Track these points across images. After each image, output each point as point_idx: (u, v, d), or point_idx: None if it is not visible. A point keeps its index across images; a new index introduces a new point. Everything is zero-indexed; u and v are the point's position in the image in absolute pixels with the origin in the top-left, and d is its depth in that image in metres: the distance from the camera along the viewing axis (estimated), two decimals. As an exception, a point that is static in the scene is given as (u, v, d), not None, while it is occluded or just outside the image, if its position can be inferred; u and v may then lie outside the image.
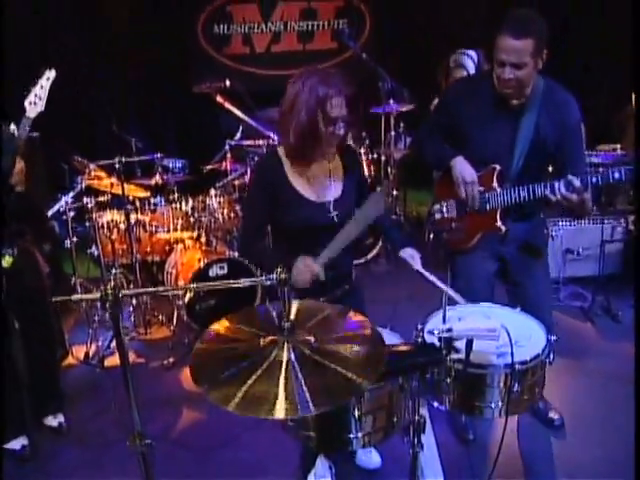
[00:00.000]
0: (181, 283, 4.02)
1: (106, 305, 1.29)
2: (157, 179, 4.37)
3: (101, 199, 4.35)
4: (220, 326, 1.56)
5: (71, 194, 4.15)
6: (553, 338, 1.88)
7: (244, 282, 1.40)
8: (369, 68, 4.86)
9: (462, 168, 2.54)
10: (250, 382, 1.27)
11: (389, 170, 5.52)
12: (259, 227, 2.31)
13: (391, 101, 5.06)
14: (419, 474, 1.98)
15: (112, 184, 4.15)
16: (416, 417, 1.88)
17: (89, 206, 4.16)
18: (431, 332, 1.72)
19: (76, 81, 5.68)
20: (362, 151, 5.35)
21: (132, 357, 3.94)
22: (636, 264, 3.70)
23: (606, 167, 3.92)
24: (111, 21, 6.12)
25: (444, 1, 6.61)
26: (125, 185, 4.08)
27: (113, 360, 3.76)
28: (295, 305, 1.57)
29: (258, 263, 2.60)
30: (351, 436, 1.70)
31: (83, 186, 4.17)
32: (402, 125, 5.51)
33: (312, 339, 1.38)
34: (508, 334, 1.67)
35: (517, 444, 2.79)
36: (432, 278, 2.11)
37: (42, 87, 2.81)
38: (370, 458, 2.74)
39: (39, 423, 3.13)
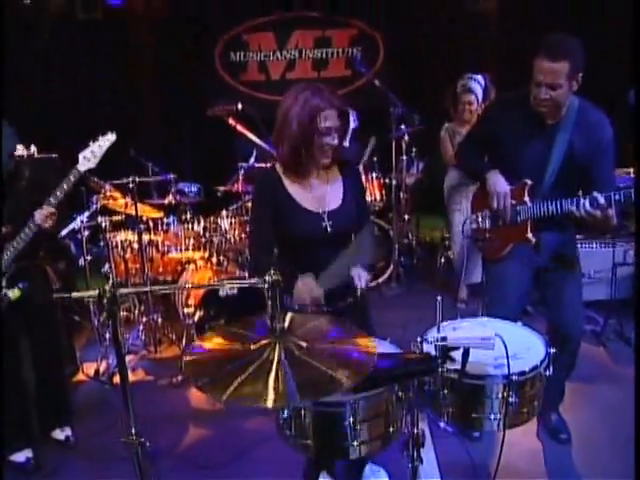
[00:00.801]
0: (192, 302, 4.06)
1: (104, 302, 1.33)
2: (170, 199, 4.45)
3: (115, 219, 4.43)
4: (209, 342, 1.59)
5: (86, 213, 4.25)
6: (552, 351, 1.88)
7: (233, 284, 1.43)
8: (381, 94, 4.94)
9: (496, 181, 2.67)
10: (243, 377, 1.31)
11: (401, 195, 5.55)
12: (266, 241, 2.34)
13: (402, 126, 5.12)
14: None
15: (126, 204, 4.23)
16: (415, 430, 1.88)
17: (103, 225, 4.27)
18: (426, 341, 1.73)
19: (97, 106, 5.88)
20: (374, 175, 5.40)
21: (141, 375, 3.99)
22: (637, 285, 3.74)
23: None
24: (133, 48, 6.33)
25: (457, 28, 6.70)
26: (139, 205, 4.17)
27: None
28: (289, 315, 1.60)
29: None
30: (347, 444, 1.70)
31: (98, 206, 4.27)
32: (414, 150, 5.57)
33: (304, 343, 1.40)
34: (504, 343, 1.67)
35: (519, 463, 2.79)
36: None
37: (100, 147, 2.95)
38: (378, 478, 2.71)
39: (47, 436, 3.17)
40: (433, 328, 1.95)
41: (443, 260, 5.35)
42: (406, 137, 5.21)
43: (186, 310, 4.10)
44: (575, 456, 2.90)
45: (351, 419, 1.66)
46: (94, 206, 4.27)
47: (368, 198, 5.36)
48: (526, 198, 2.64)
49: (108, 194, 4.24)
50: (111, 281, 1.34)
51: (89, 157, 2.93)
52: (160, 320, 4.40)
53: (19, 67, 5.93)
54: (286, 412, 1.72)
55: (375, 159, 5.52)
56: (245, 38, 6.75)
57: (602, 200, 2.38)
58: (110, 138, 2.99)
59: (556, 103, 2.47)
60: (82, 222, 4.17)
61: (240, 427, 3.26)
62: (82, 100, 5.92)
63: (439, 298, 1.68)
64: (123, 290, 1.40)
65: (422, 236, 6.33)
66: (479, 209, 2.88)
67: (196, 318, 3.98)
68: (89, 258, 4.25)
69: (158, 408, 3.52)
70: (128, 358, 4.19)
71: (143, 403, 3.48)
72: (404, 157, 5.36)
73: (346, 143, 6.14)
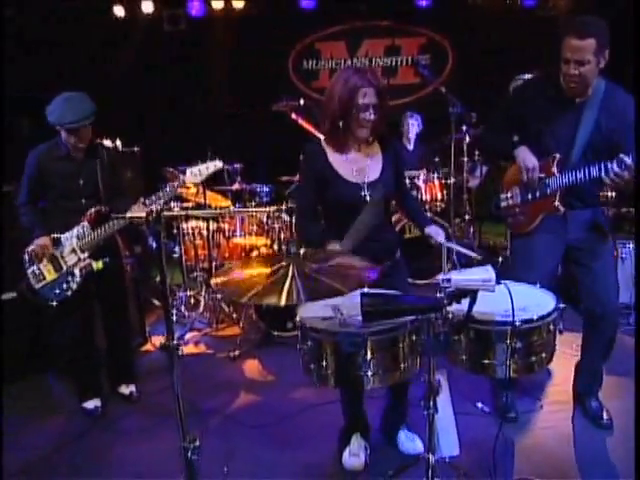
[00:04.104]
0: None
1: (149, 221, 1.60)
2: (237, 186, 4.79)
3: (186, 205, 4.80)
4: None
5: (161, 201, 4.63)
6: (562, 306, 1.98)
7: (256, 211, 1.66)
8: (447, 100, 5.04)
9: (525, 156, 2.79)
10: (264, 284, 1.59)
11: (464, 197, 5.63)
12: (311, 209, 2.60)
13: (463, 127, 5.22)
14: (435, 441, 2.10)
15: (197, 191, 4.59)
16: (431, 379, 2.02)
17: (176, 211, 4.64)
18: (437, 285, 1.88)
19: (181, 107, 6.36)
20: (435, 175, 5.51)
21: (203, 348, 4.34)
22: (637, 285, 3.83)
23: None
24: (213, 55, 6.80)
25: (523, 36, 6.71)
26: (209, 193, 4.53)
27: (185, 349, 4.12)
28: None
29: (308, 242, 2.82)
30: (361, 374, 1.88)
31: (172, 194, 4.64)
32: (477, 153, 5.61)
33: (314, 265, 1.62)
34: (508, 291, 1.80)
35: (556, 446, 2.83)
36: (456, 247, 2.29)
37: (207, 168, 3.34)
38: (413, 444, 2.85)
39: (114, 390, 3.57)
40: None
41: (501, 260, 5.38)
42: (467, 138, 5.30)
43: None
44: (622, 449, 2.82)
45: (362, 351, 1.84)
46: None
47: (428, 197, 5.51)
48: (554, 170, 2.75)
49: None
50: (158, 207, 1.60)
51: (196, 173, 3.32)
52: (222, 302, 4.71)
53: (112, 74, 6.54)
54: (309, 342, 1.92)
55: (437, 159, 5.64)
56: (317, 47, 7.09)
57: (629, 161, 2.47)
58: (217, 164, 3.36)
59: (584, 79, 2.60)
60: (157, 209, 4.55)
61: (287, 395, 3.48)
62: (166, 102, 6.42)
63: (444, 242, 1.83)
64: (166, 213, 1.66)
65: (485, 239, 6.36)
66: (508, 187, 3.00)
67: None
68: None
69: (215, 377, 3.84)
70: (192, 334, 4.55)
71: (202, 372, 3.82)
72: (465, 158, 5.45)
73: (410, 146, 6.25)
